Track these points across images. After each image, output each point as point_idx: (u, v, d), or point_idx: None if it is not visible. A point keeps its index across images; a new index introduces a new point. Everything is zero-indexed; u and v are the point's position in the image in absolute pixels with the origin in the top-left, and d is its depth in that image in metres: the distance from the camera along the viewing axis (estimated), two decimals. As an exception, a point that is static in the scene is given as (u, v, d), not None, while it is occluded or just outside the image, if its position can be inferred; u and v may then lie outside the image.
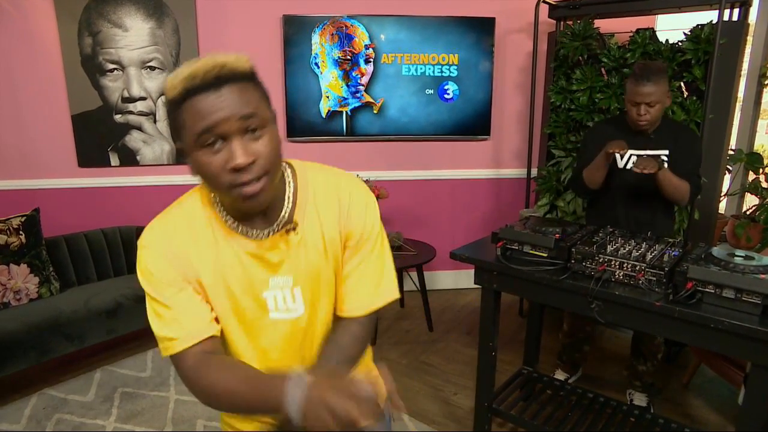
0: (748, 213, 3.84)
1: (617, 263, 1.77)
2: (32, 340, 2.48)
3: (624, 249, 1.84)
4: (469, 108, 3.69)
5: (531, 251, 1.95)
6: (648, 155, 2.18)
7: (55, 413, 2.55)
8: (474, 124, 3.72)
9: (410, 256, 3.24)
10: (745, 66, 3.87)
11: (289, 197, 1.02)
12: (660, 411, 2.51)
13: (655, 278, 1.70)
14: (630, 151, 2.22)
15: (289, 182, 1.03)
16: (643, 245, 1.88)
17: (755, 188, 3.84)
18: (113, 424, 2.47)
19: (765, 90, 3.69)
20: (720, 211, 4.21)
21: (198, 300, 1.01)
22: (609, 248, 1.85)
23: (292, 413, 0.81)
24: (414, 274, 3.53)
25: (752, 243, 3.22)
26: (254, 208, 0.95)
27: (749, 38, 3.26)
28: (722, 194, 3.48)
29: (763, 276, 1.57)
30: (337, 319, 1.11)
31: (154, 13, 3.39)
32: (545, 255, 1.91)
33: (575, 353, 2.73)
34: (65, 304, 2.70)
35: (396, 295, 1.11)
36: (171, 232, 1.01)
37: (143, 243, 1.01)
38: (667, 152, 2.21)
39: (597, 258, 1.80)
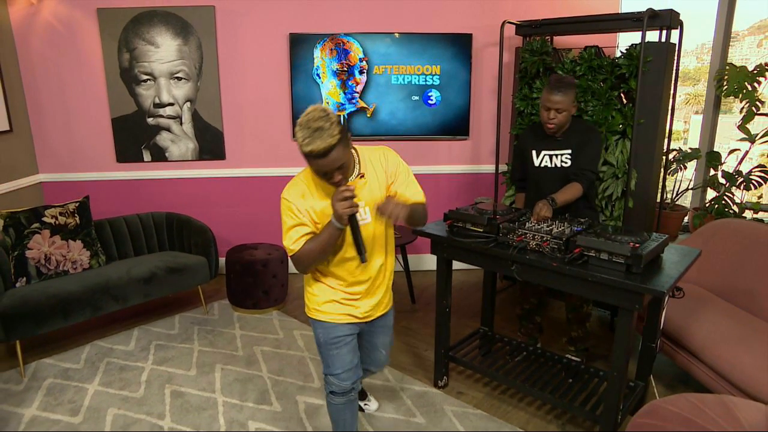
0: (707, 205, 4.35)
1: (531, 235, 2.34)
2: (88, 299, 3.13)
3: (542, 226, 2.41)
4: (450, 112, 4.26)
5: (471, 228, 2.52)
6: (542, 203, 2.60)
7: (104, 357, 3.20)
8: (454, 126, 4.29)
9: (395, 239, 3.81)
10: (707, 75, 4.39)
11: (357, 163, 1.94)
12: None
13: (556, 246, 2.27)
14: (544, 152, 2.81)
15: (357, 157, 1.95)
16: (556, 224, 2.44)
17: (713, 183, 4.36)
18: (150, 366, 3.12)
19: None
20: (684, 204, 4.73)
21: (306, 219, 1.90)
22: (527, 225, 2.41)
23: (333, 219, 1.81)
24: (399, 256, 4.11)
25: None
26: None
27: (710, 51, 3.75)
28: (674, 187, 3.96)
29: (631, 243, 2.13)
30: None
31: (181, 33, 4.01)
32: (481, 230, 2.48)
33: (529, 324, 3.27)
34: (111, 272, 3.34)
35: (423, 199, 2.04)
36: (294, 189, 1.91)
37: (284, 195, 1.91)
38: (570, 151, 2.74)
39: (517, 232, 2.37)
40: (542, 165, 2.82)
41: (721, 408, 1.97)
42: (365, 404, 2.71)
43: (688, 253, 2.41)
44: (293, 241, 1.89)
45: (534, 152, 2.86)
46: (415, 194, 2.02)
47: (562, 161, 2.77)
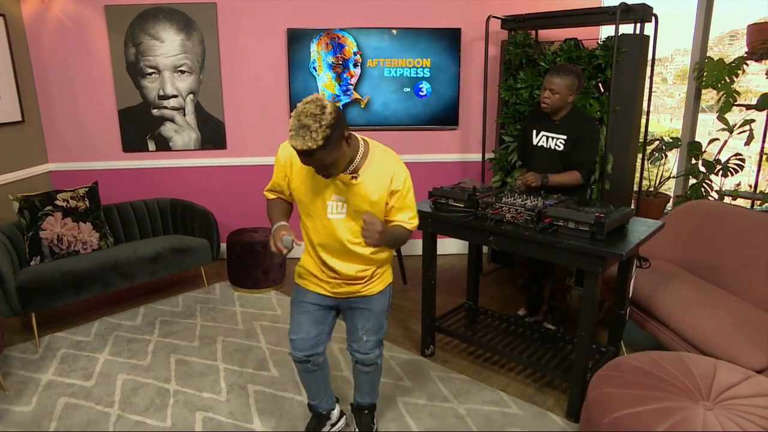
0: (687, 193, 4.56)
1: (507, 209, 2.55)
2: (98, 275, 3.34)
3: (516, 201, 2.62)
4: (441, 103, 4.47)
5: (453, 203, 2.74)
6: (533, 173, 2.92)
7: (113, 331, 3.42)
8: (445, 116, 4.51)
9: (387, 222, 4.03)
10: (687, 67, 4.58)
11: (358, 159, 1.85)
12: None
13: (529, 218, 2.48)
14: (542, 132, 3.03)
15: (361, 151, 1.86)
16: (531, 198, 2.66)
17: (693, 171, 4.57)
18: (156, 338, 3.33)
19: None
20: (667, 192, 4.92)
21: (279, 177, 1.99)
22: (504, 199, 2.63)
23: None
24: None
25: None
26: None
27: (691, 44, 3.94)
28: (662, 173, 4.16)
29: (596, 214, 2.34)
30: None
31: (184, 28, 4.23)
32: (462, 206, 2.70)
33: (527, 294, 3.46)
34: (120, 252, 3.55)
35: (412, 226, 2.01)
36: (286, 146, 1.92)
37: (278, 152, 1.96)
38: (564, 137, 2.96)
39: (494, 206, 2.59)
40: (539, 144, 3.06)
41: (677, 362, 2.19)
42: (331, 425, 2.47)
43: (653, 225, 2.62)
44: (267, 188, 2.08)
45: (534, 131, 3.09)
46: (404, 222, 1.98)
47: (556, 144, 2.99)
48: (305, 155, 1.67)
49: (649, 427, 1.80)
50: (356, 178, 1.86)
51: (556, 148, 2.98)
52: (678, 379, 2.06)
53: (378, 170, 1.88)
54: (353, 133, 1.82)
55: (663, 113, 6.68)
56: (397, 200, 1.93)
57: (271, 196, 2.10)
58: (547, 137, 3.02)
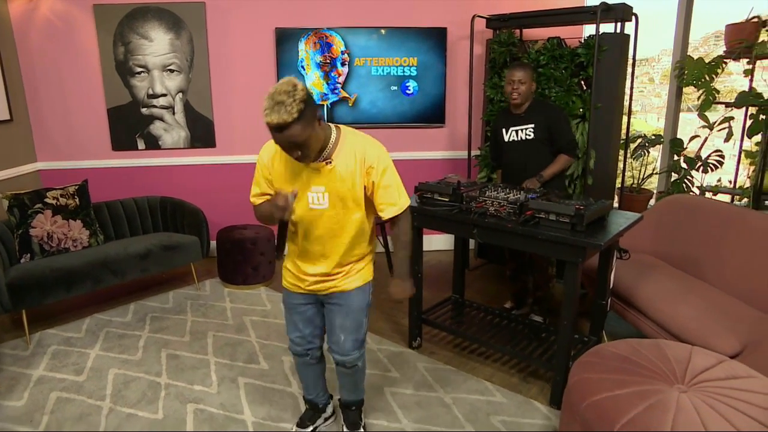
0: (670, 188, 4.66)
1: (490, 202, 2.62)
2: (88, 272, 3.37)
3: (499, 194, 2.69)
4: (427, 101, 4.54)
5: (439, 198, 2.80)
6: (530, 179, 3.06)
7: (104, 328, 3.45)
8: (431, 114, 4.58)
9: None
10: (668, 68, 4.68)
11: (330, 146, 1.88)
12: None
13: (512, 211, 2.55)
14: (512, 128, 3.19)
15: (332, 138, 1.89)
16: (513, 192, 2.73)
17: (675, 167, 4.68)
18: (147, 334, 3.37)
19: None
20: (648, 187, 5.03)
21: (263, 183, 2.00)
22: (488, 194, 2.70)
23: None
24: (380, 237, 4.38)
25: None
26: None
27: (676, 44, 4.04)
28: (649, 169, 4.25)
29: (576, 206, 2.41)
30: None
31: (173, 27, 4.26)
32: (447, 200, 2.76)
33: (515, 287, 3.54)
34: (110, 250, 3.58)
35: (402, 206, 2.00)
36: (266, 150, 1.97)
37: (260, 153, 1.99)
38: (533, 126, 3.12)
39: (478, 199, 2.65)
40: (511, 140, 3.22)
41: (654, 348, 2.27)
42: (325, 418, 2.51)
43: (632, 217, 2.70)
44: (252, 195, 2.06)
45: (504, 130, 3.25)
46: (390, 205, 1.97)
47: (526, 134, 3.15)
48: (280, 130, 1.69)
49: (626, 410, 1.87)
50: (330, 163, 1.90)
51: (527, 137, 3.16)
52: (655, 364, 2.13)
53: (350, 152, 1.91)
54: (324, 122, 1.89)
55: (650, 112, 6.79)
56: (376, 176, 1.93)
57: (258, 200, 2.07)
58: (517, 131, 3.19)
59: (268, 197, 2.02)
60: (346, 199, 1.95)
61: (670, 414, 1.81)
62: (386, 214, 2.00)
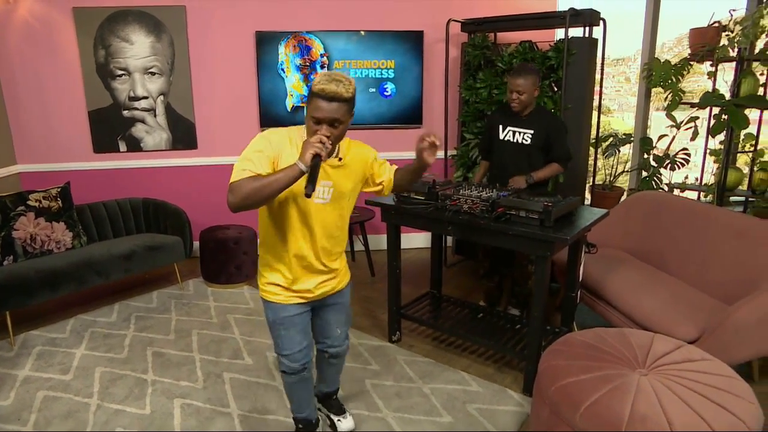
0: (640, 186, 4.84)
1: (464, 200, 2.74)
2: (73, 273, 3.41)
3: (473, 192, 2.81)
4: (405, 102, 4.66)
5: (414, 196, 2.92)
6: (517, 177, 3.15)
7: (89, 328, 3.49)
8: (409, 115, 4.69)
9: (353, 217, 4.19)
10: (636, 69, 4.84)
11: (340, 146, 1.99)
12: (527, 318, 3.48)
13: (485, 208, 2.67)
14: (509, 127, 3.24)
15: (345, 143, 2.02)
16: (486, 190, 2.85)
17: (645, 165, 4.85)
18: (132, 333, 3.42)
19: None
20: (621, 185, 5.20)
21: (265, 164, 1.85)
22: (462, 192, 2.82)
23: (298, 161, 1.75)
24: (360, 237, 4.49)
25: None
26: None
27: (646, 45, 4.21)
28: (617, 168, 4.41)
29: (544, 203, 2.54)
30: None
31: (154, 30, 4.31)
32: (423, 198, 2.88)
33: (488, 284, 3.66)
34: (94, 251, 3.63)
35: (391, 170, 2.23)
36: (278, 135, 1.94)
37: (264, 132, 1.95)
38: (532, 132, 3.17)
39: (452, 198, 2.77)
40: (506, 139, 3.26)
41: (619, 336, 2.41)
42: (338, 420, 2.50)
43: (598, 213, 2.84)
44: (239, 169, 1.84)
45: (500, 127, 3.28)
46: (390, 170, 2.24)
47: (523, 138, 3.20)
48: (330, 101, 1.77)
49: (591, 392, 2.00)
50: (341, 160, 2.01)
51: (524, 141, 3.20)
52: (619, 350, 2.27)
53: (357, 153, 2.07)
54: None
55: (627, 111, 6.97)
56: (377, 163, 2.18)
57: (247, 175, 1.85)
58: (515, 132, 3.22)
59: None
60: (345, 196, 2.07)
61: (631, 395, 1.95)
62: (388, 174, 2.22)
